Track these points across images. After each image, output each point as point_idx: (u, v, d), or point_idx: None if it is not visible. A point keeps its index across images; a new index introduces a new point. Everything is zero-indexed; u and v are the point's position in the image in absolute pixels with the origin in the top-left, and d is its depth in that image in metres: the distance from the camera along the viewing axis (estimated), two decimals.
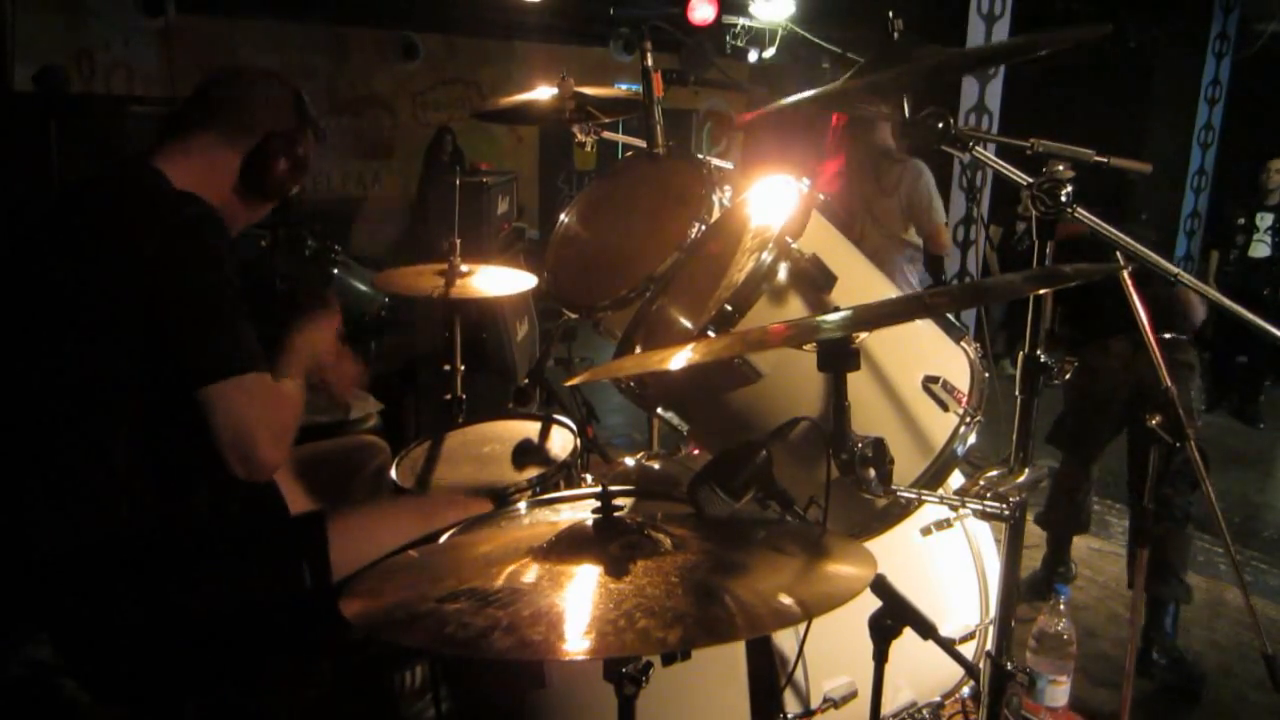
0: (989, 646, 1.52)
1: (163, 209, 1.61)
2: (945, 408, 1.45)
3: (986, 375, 1.55)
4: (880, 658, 1.27)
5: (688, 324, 1.47)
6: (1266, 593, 3.57)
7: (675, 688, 1.38)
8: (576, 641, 0.89)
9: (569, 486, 2.07)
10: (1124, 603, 3.24)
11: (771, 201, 1.55)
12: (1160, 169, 2.97)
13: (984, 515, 1.35)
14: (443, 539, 1.59)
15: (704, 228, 1.75)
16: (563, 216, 2.14)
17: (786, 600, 0.99)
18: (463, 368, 2.78)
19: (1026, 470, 1.39)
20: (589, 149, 2.71)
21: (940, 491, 1.42)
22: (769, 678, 1.52)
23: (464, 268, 2.59)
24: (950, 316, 1.60)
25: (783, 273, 1.34)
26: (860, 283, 1.47)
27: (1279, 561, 3.87)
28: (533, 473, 2.11)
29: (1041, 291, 1.37)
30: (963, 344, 1.60)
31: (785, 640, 1.55)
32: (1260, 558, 3.92)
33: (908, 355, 1.47)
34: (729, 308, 1.31)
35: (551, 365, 2.89)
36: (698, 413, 1.52)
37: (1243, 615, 3.24)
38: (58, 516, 1.58)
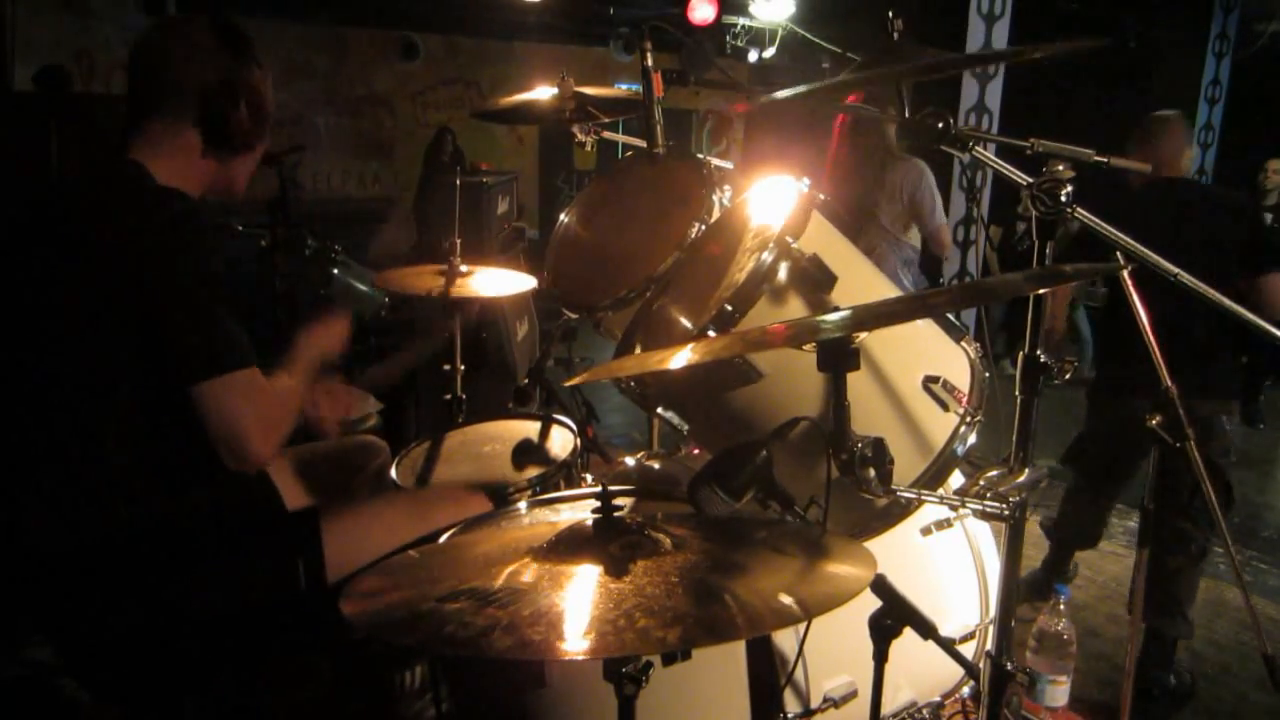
0: (989, 646, 1.52)
1: (146, 208, 1.59)
2: (945, 408, 1.45)
3: (986, 375, 1.55)
4: (880, 658, 1.27)
5: (688, 324, 1.47)
6: (1266, 593, 3.57)
7: (675, 688, 1.38)
8: (576, 641, 0.89)
9: (569, 486, 2.07)
10: (1124, 603, 3.24)
11: (772, 201, 1.55)
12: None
13: (984, 515, 1.35)
14: (442, 539, 1.59)
15: (704, 228, 1.75)
16: (563, 216, 2.14)
17: (786, 600, 0.99)
18: (463, 368, 2.79)
19: (1026, 470, 1.39)
20: (589, 149, 2.72)
21: (940, 491, 1.42)
22: (769, 678, 1.52)
23: (464, 268, 2.59)
24: (950, 316, 1.60)
25: (783, 272, 1.34)
26: (860, 283, 1.47)
27: (1279, 561, 3.87)
28: (533, 472, 2.11)
29: (1041, 291, 1.37)
30: (963, 344, 1.60)
31: (785, 640, 1.55)
32: (1260, 558, 3.92)
33: (908, 355, 1.47)
34: (729, 308, 1.31)
35: (551, 365, 2.89)
36: (698, 413, 1.52)
37: (1243, 615, 3.23)
38: (55, 516, 1.59)
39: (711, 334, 1.30)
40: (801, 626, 1.45)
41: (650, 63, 2.09)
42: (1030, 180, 1.34)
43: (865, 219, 3.77)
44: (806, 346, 1.20)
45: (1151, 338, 1.60)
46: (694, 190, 1.85)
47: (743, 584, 1.04)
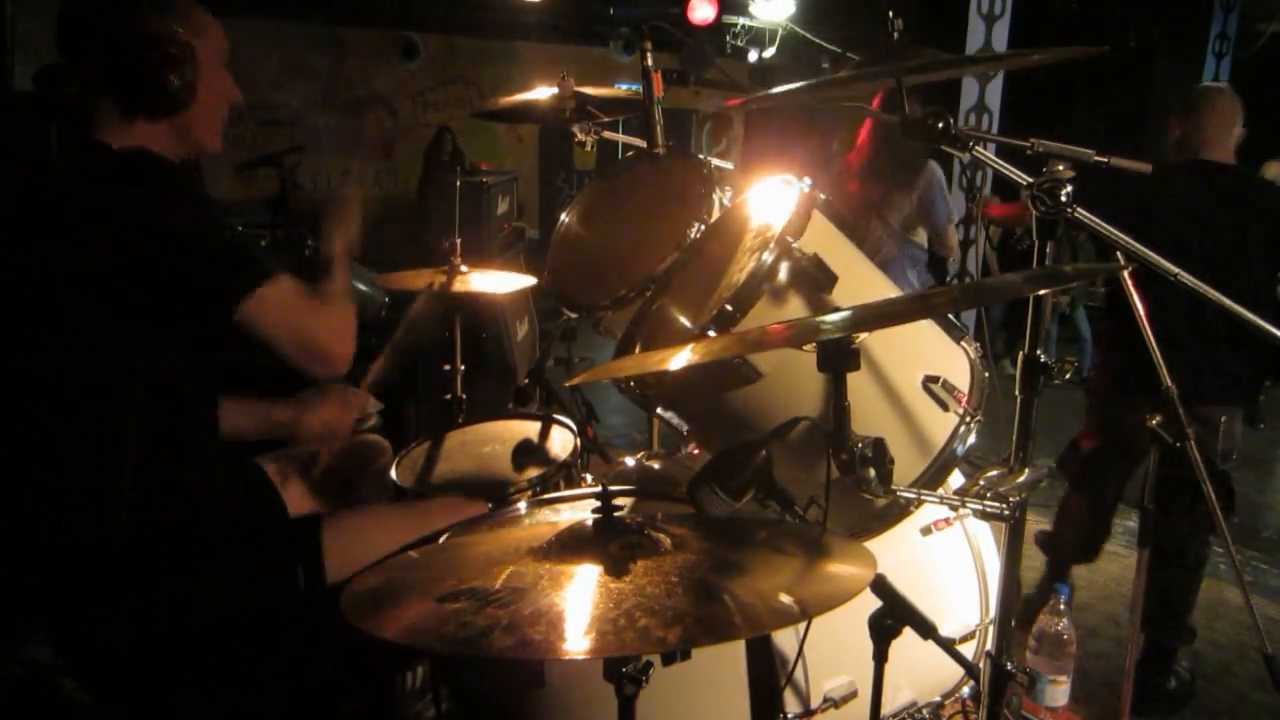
0: (989, 646, 1.52)
1: (112, 175, 1.57)
2: (945, 407, 1.45)
3: (986, 375, 1.55)
4: (880, 658, 1.27)
5: (688, 324, 1.47)
6: (1266, 593, 3.57)
7: (675, 688, 1.38)
8: (576, 641, 0.89)
9: (569, 486, 2.07)
10: (1124, 603, 3.24)
11: (772, 201, 1.55)
12: None
13: (984, 515, 1.34)
14: (442, 539, 1.59)
15: (704, 227, 1.75)
16: (563, 216, 2.14)
17: (786, 600, 0.99)
18: (463, 367, 2.78)
19: (1026, 470, 1.39)
20: (589, 149, 2.71)
21: (940, 491, 1.42)
22: (769, 678, 1.52)
23: (464, 268, 2.59)
24: (950, 316, 1.60)
25: (783, 272, 1.34)
26: (861, 282, 1.47)
27: (1279, 561, 3.87)
28: (533, 473, 2.11)
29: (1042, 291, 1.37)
30: (963, 344, 1.60)
31: (785, 640, 1.55)
32: (1260, 558, 3.92)
33: (908, 355, 1.47)
34: (729, 307, 1.31)
35: (551, 365, 2.88)
36: (698, 413, 1.52)
37: (1243, 615, 3.23)
38: (56, 518, 1.58)
39: (711, 334, 1.30)
40: (801, 626, 1.45)
41: (650, 63, 2.09)
42: (1030, 180, 1.34)
43: (874, 218, 3.76)
44: (806, 347, 1.20)
45: (1151, 338, 1.60)
46: (694, 190, 1.85)
47: (742, 584, 1.04)
